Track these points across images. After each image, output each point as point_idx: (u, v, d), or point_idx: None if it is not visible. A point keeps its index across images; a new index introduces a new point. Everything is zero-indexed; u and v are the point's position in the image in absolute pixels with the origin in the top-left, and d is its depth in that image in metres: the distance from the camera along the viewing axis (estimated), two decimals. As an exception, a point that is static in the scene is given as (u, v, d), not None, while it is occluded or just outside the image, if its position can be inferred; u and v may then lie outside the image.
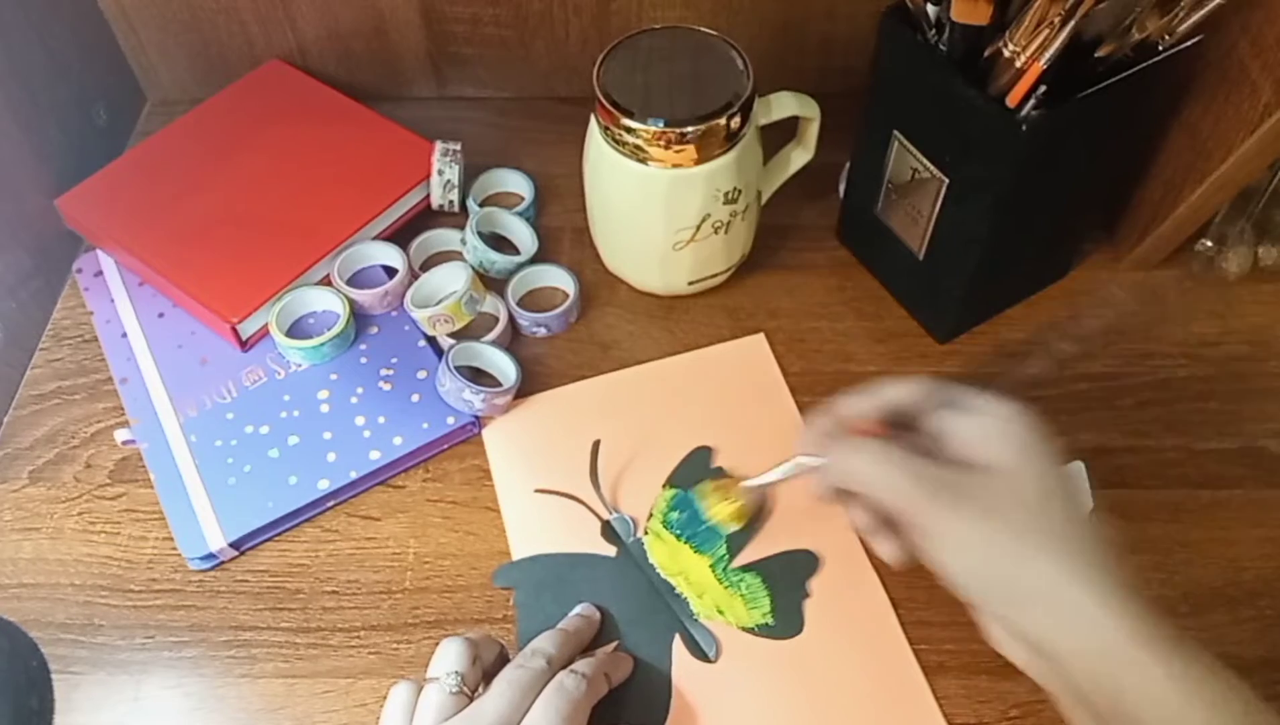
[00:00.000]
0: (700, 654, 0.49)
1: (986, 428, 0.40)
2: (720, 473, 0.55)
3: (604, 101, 0.53)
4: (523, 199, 0.67)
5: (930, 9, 0.50)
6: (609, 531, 0.53)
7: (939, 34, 0.50)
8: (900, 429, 0.43)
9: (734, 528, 0.52)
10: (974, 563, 0.39)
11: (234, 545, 0.53)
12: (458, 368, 0.57)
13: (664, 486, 0.55)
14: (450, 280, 0.60)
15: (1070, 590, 0.37)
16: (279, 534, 0.54)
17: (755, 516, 0.53)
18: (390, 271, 0.63)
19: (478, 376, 0.59)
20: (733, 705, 0.48)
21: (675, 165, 0.54)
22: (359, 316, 0.61)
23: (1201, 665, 0.37)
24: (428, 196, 0.66)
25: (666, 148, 0.53)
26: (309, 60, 0.73)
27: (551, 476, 0.55)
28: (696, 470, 0.55)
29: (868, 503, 0.43)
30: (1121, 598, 0.37)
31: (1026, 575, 0.38)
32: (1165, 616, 0.38)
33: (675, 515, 0.54)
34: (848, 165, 0.64)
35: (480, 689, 0.43)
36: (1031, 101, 0.47)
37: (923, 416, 0.43)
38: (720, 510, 0.51)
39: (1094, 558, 0.38)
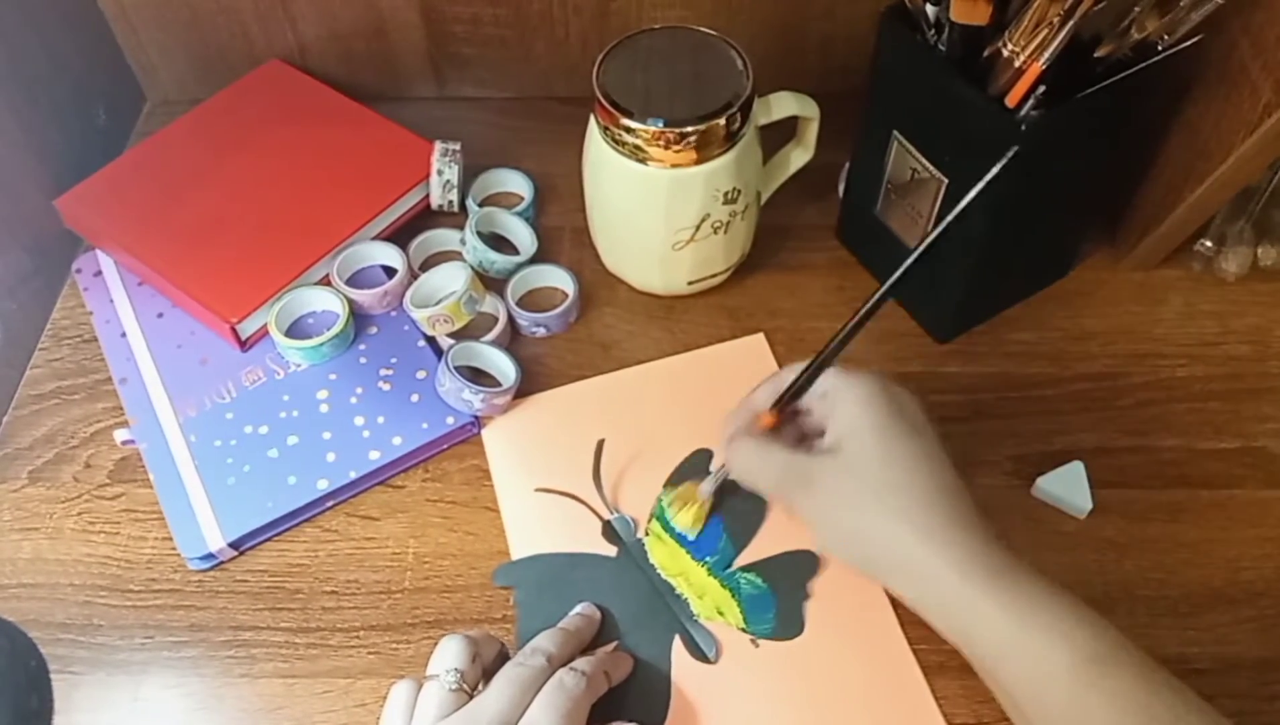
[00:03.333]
0: (700, 655, 0.49)
1: (844, 413, 0.44)
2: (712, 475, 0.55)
3: (604, 101, 0.53)
4: (522, 199, 0.67)
5: (929, 9, 0.50)
6: (610, 531, 0.53)
7: (938, 34, 0.50)
8: (798, 413, 0.48)
9: (695, 532, 0.53)
10: (831, 537, 0.44)
11: (233, 545, 0.53)
12: (457, 368, 0.57)
13: (664, 486, 0.55)
14: (450, 280, 0.60)
15: (906, 547, 0.41)
16: (278, 534, 0.54)
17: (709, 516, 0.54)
18: (389, 271, 0.63)
19: (477, 376, 0.59)
20: (733, 706, 0.48)
21: (675, 165, 0.54)
22: (358, 316, 0.61)
23: (1039, 593, 0.40)
24: (427, 196, 0.66)
25: (666, 148, 0.53)
26: (309, 60, 0.73)
27: (551, 476, 0.55)
28: (697, 471, 0.55)
29: None
30: (955, 542, 0.40)
31: (872, 542, 0.43)
32: (1004, 549, 0.41)
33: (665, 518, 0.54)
34: (847, 165, 0.64)
35: (480, 686, 0.43)
36: (1031, 102, 0.47)
37: (810, 407, 0.47)
38: (683, 517, 0.53)
39: (934, 512, 0.41)
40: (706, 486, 0.52)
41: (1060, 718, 0.38)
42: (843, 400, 0.45)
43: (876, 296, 0.46)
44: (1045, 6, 0.45)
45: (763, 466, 0.46)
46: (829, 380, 0.46)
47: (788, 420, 0.48)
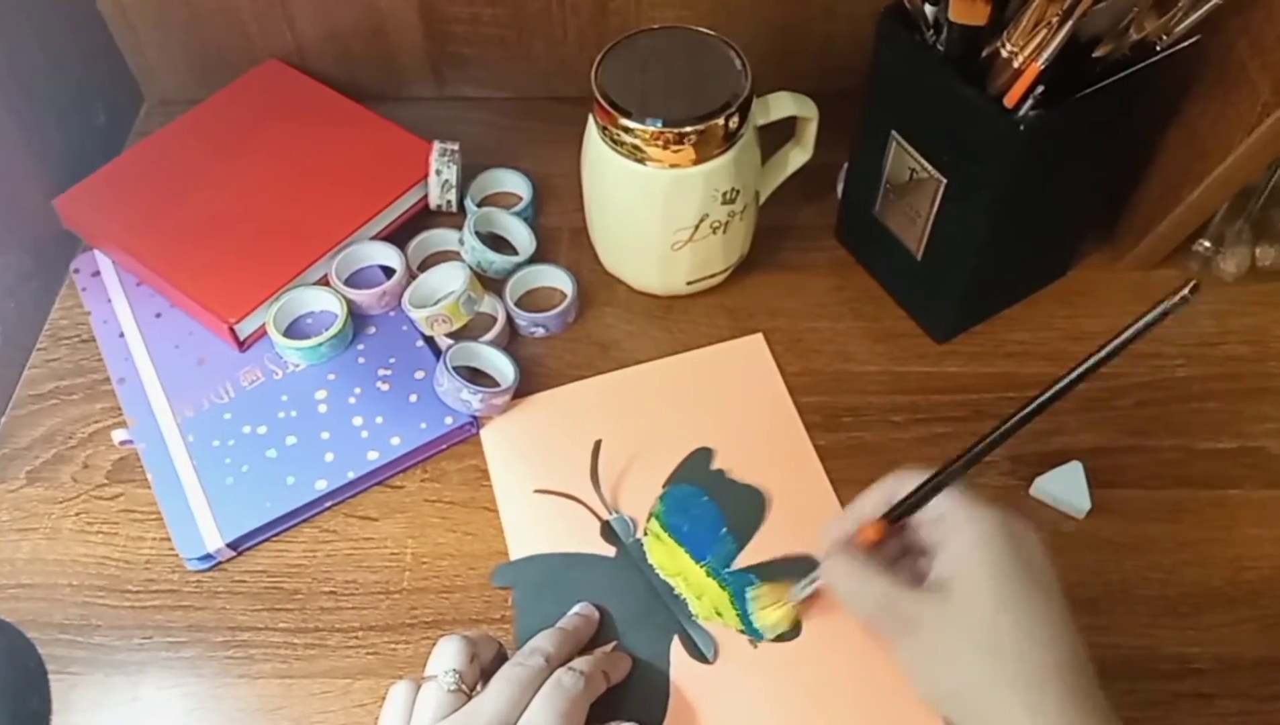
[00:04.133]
0: (699, 655, 0.49)
1: (958, 549, 0.40)
2: (721, 476, 0.55)
3: (602, 101, 0.53)
4: (521, 199, 0.67)
5: (928, 9, 0.50)
6: (608, 532, 0.53)
7: (937, 34, 0.50)
8: (904, 529, 0.44)
9: (774, 633, 0.50)
10: (928, 687, 0.40)
11: (231, 546, 0.53)
12: (455, 368, 0.57)
13: (664, 487, 0.55)
14: (448, 280, 0.60)
15: (1013, 720, 0.37)
16: (277, 534, 0.54)
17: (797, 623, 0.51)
18: (388, 271, 0.63)
19: (476, 376, 0.59)
20: (731, 706, 0.48)
21: (673, 165, 0.54)
22: (357, 316, 0.61)
23: None
24: (426, 196, 0.66)
25: (665, 148, 0.53)
26: (307, 60, 0.73)
27: (550, 477, 0.55)
28: (697, 471, 0.55)
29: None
30: (1074, 722, 0.36)
31: (974, 706, 0.39)
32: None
33: (671, 518, 0.54)
34: (846, 165, 0.64)
35: (478, 687, 0.43)
36: (1029, 102, 0.47)
37: (920, 524, 0.44)
38: (766, 615, 0.50)
39: (1049, 686, 0.37)
40: (797, 592, 0.49)
41: None
42: (959, 533, 0.41)
43: (1023, 412, 0.42)
44: (1044, 6, 0.45)
45: (861, 593, 0.42)
46: (947, 503, 0.42)
47: (894, 532, 0.44)
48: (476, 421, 0.57)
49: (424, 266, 0.64)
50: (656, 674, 0.49)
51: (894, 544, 0.45)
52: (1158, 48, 0.49)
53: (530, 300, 0.63)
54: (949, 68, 0.50)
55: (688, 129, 0.52)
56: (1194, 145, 0.55)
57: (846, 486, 0.54)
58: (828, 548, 0.45)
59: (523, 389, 0.58)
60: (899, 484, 0.44)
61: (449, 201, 0.66)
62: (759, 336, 0.61)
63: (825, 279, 0.64)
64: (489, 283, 0.62)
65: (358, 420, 0.57)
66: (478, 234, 0.63)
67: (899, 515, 0.43)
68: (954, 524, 0.41)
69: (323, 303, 0.61)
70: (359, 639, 0.50)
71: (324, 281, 0.61)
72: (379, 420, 0.57)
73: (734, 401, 0.58)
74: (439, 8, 0.69)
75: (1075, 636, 0.39)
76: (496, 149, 0.70)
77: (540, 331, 0.61)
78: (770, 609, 0.50)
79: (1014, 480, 0.55)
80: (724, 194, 0.56)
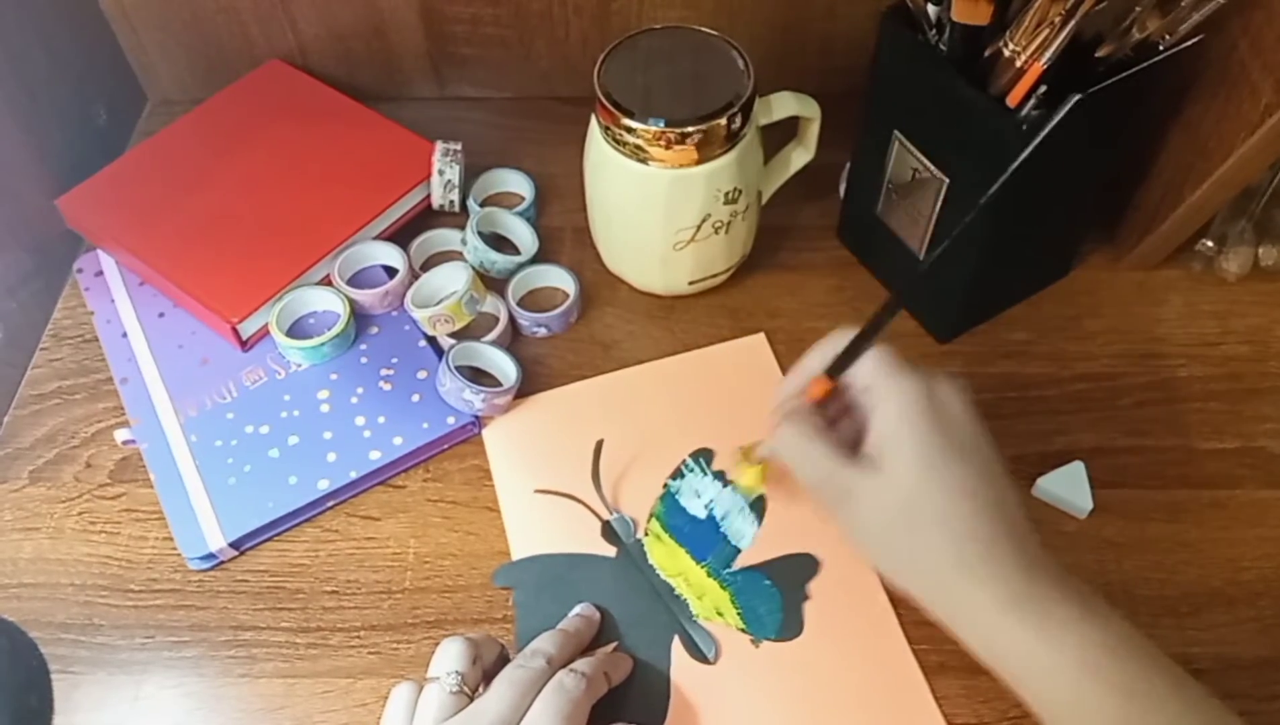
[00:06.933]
0: (699, 655, 0.49)
1: (884, 421, 0.41)
2: (722, 477, 0.55)
3: (604, 101, 0.53)
4: (523, 199, 0.67)
5: (930, 9, 0.50)
6: (609, 532, 0.53)
7: (939, 34, 0.50)
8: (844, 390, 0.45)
9: (754, 492, 0.52)
10: (866, 553, 0.42)
11: (234, 545, 0.53)
12: (458, 367, 0.57)
13: (664, 487, 0.55)
14: (450, 280, 0.60)
15: (941, 575, 0.40)
16: (279, 534, 0.54)
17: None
18: (391, 271, 0.63)
19: (478, 376, 0.59)
20: (732, 706, 0.48)
21: (676, 165, 0.54)
22: (359, 316, 0.61)
23: (1075, 620, 0.38)
24: (428, 196, 0.66)
25: (667, 148, 0.53)
26: (309, 60, 0.73)
27: (552, 476, 0.55)
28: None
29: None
30: (994, 577, 0.39)
31: (906, 566, 0.41)
32: (1047, 575, 0.39)
33: (671, 518, 0.54)
34: (848, 165, 0.64)
35: (480, 689, 0.44)
36: (1032, 101, 0.47)
37: (853, 389, 0.44)
38: (744, 477, 0.50)
39: (973, 545, 0.39)
40: (762, 452, 0.49)
41: None
42: (885, 404, 0.41)
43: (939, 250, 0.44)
44: (1046, 6, 0.45)
45: (805, 462, 0.43)
46: (873, 374, 0.42)
47: (836, 392, 0.45)
48: (479, 421, 0.58)
49: (426, 266, 0.64)
50: (657, 674, 0.49)
51: (837, 403, 0.45)
52: (1160, 48, 0.49)
53: (532, 300, 0.63)
54: (951, 68, 0.49)
55: (690, 129, 0.52)
56: (1196, 145, 0.55)
57: (848, 486, 0.55)
58: (777, 407, 0.46)
59: (525, 389, 0.59)
60: (837, 340, 0.44)
61: (451, 201, 0.66)
62: (761, 336, 0.61)
63: (827, 279, 0.64)
64: (491, 283, 0.62)
65: (360, 420, 0.57)
66: (480, 234, 0.63)
67: (837, 371, 0.44)
68: (880, 395, 0.42)
69: (325, 303, 0.61)
70: (361, 638, 0.51)
71: (326, 281, 0.61)
72: (381, 420, 0.57)
73: (735, 401, 0.58)
74: (440, 8, 0.69)
75: (1001, 490, 0.40)
76: (499, 149, 0.70)
77: (542, 331, 0.61)
78: (748, 472, 0.50)
79: (1016, 481, 0.55)
80: (726, 194, 0.56)
